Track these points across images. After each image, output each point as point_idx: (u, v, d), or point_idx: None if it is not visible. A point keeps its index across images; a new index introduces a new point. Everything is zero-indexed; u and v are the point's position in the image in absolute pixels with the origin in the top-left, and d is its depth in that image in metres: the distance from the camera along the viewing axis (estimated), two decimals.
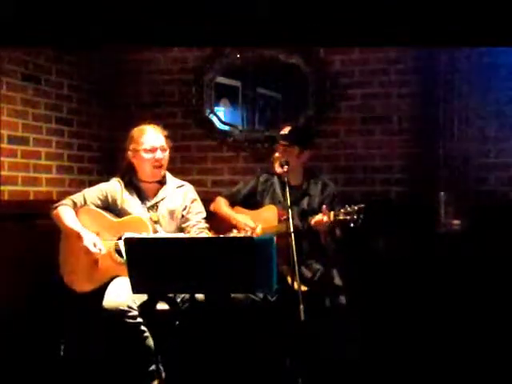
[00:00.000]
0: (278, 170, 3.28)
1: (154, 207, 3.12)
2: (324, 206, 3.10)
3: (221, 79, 4.35)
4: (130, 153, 3.12)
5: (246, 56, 4.23)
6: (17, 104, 3.61)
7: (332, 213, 3.05)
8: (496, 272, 3.55)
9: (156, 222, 3.08)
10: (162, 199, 3.14)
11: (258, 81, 4.34)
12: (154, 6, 2.47)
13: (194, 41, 2.93)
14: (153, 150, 3.08)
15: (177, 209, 3.14)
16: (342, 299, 3.12)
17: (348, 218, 2.99)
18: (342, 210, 3.03)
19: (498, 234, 3.57)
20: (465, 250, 3.57)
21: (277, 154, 3.37)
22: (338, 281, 3.21)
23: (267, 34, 2.60)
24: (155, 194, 3.16)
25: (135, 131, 3.14)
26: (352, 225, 2.98)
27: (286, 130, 3.40)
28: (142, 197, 3.14)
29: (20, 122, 3.63)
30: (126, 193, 3.12)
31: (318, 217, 3.08)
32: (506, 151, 3.79)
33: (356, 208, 2.98)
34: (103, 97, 4.35)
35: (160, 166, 3.11)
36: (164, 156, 3.12)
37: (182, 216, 3.15)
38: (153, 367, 2.84)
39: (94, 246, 2.94)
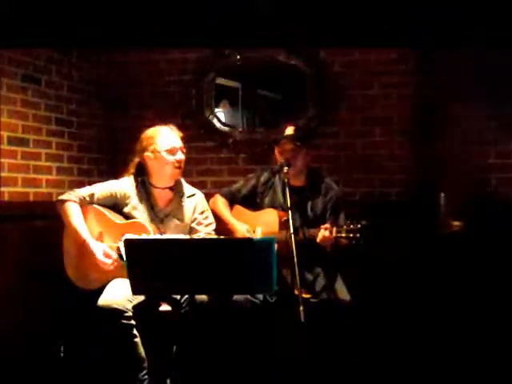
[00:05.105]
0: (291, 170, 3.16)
1: (162, 220, 3.06)
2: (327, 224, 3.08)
3: (221, 80, 4.35)
4: (148, 154, 3.03)
5: (245, 57, 4.23)
6: (17, 105, 3.60)
7: (334, 229, 3.03)
8: (496, 273, 3.55)
9: (162, 233, 3.01)
10: (170, 213, 3.07)
11: (258, 82, 4.33)
12: (154, 6, 2.47)
13: (194, 41, 2.93)
14: (174, 151, 3.03)
15: (185, 223, 3.09)
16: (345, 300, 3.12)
17: (351, 235, 2.98)
18: (344, 227, 3.01)
19: (498, 234, 3.56)
20: (465, 251, 3.57)
21: (277, 155, 3.34)
22: (341, 287, 3.19)
23: (267, 35, 2.60)
24: (166, 204, 3.09)
25: (152, 132, 3.07)
26: (354, 242, 2.98)
27: (290, 130, 3.36)
28: (152, 205, 3.08)
29: (20, 123, 3.62)
30: (135, 198, 3.07)
31: (322, 233, 3.04)
32: (506, 152, 3.79)
33: (359, 226, 2.95)
34: (103, 98, 4.34)
35: (180, 167, 3.05)
36: (183, 157, 3.07)
37: (191, 228, 3.09)
38: (142, 373, 2.80)
39: (106, 256, 2.87)
